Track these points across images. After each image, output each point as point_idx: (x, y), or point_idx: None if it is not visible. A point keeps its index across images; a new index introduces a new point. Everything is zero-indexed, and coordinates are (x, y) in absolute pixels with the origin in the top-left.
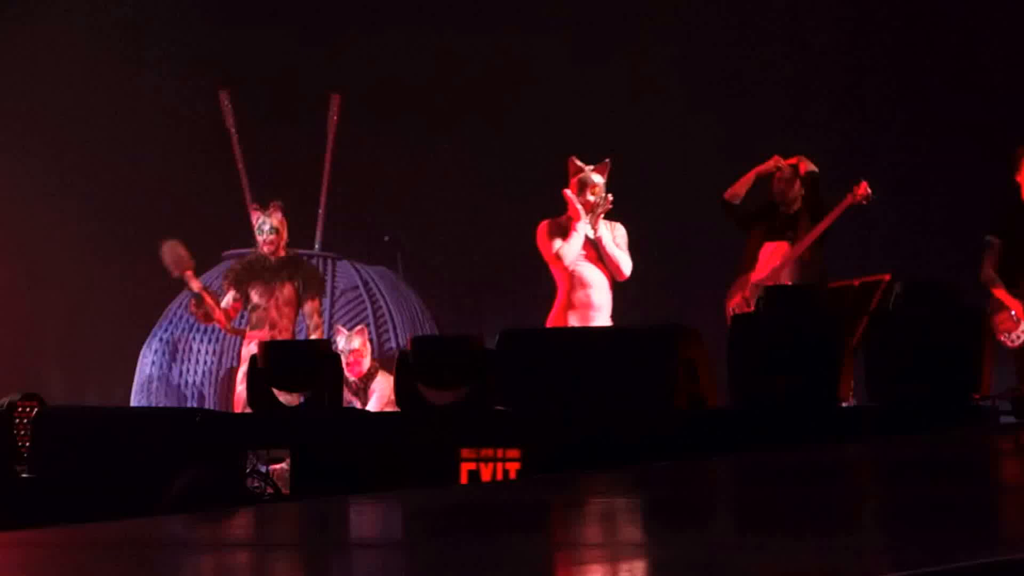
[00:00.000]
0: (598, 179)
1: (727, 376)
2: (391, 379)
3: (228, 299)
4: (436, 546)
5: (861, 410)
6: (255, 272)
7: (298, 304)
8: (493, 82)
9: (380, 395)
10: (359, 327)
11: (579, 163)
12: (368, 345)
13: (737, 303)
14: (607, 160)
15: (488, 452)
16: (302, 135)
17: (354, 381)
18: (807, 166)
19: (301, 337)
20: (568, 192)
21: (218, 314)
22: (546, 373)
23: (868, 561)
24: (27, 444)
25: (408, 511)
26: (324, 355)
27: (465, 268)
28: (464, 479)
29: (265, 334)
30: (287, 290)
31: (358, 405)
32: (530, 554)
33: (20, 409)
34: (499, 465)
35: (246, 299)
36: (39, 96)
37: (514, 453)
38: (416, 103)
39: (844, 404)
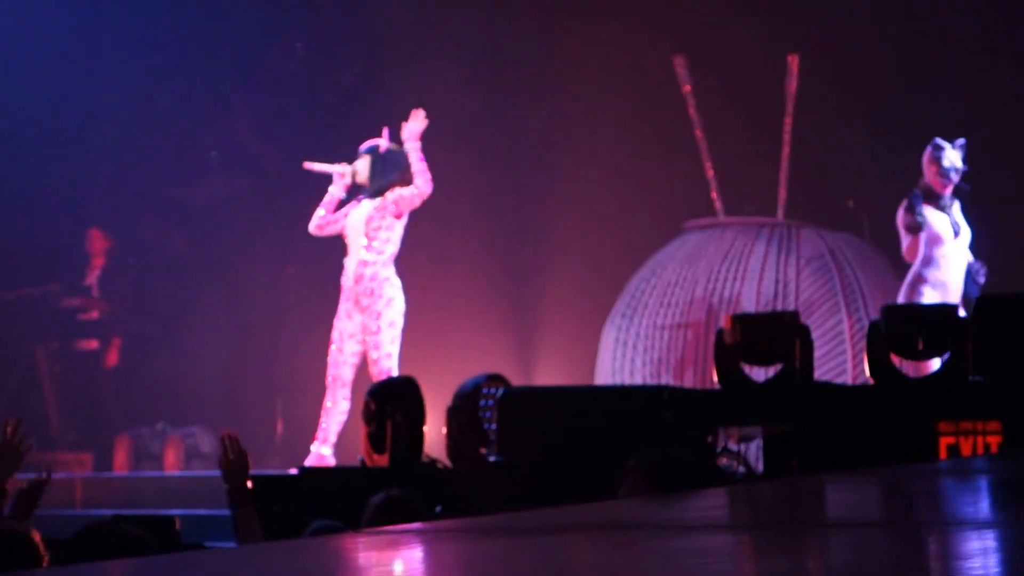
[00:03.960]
0: None
1: None
2: None
3: None
4: (917, 526)
5: None
6: None
7: None
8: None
9: None
10: None
11: None
12: None
13: None
14: None
15: (967, 425)
16: (760, 99)
17: None
18: None
19: None
20: None
21: None
22: None
23: None
24: (493, 426)
25: (887, 488)
26: (794, 327)
27: None
28: (943, 454)
29: None
30: None
31: None
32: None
33: (486, 391)
34: (979, 439)
35: None
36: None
37: (995, 426)
38: (874, 65)
39: None
